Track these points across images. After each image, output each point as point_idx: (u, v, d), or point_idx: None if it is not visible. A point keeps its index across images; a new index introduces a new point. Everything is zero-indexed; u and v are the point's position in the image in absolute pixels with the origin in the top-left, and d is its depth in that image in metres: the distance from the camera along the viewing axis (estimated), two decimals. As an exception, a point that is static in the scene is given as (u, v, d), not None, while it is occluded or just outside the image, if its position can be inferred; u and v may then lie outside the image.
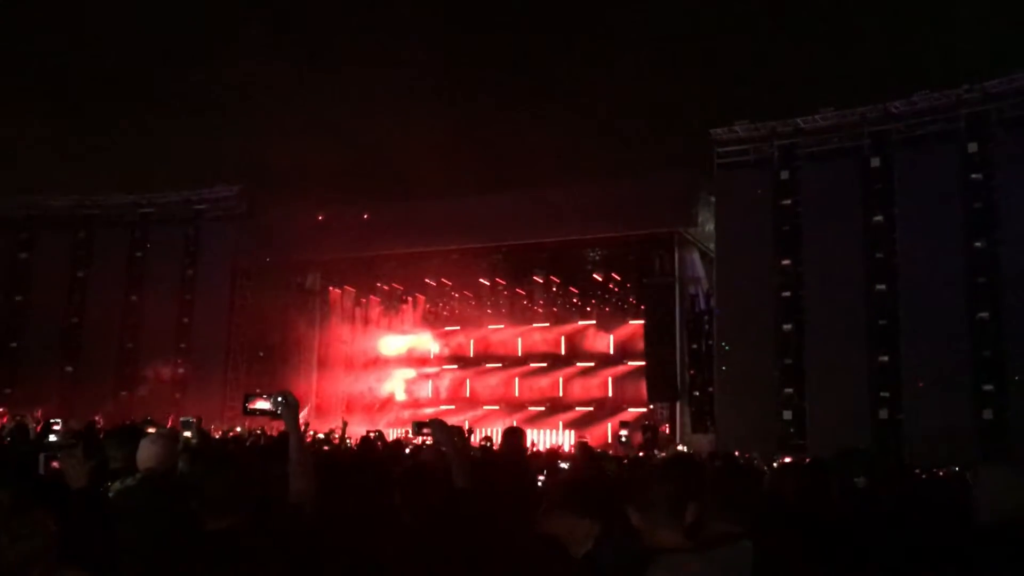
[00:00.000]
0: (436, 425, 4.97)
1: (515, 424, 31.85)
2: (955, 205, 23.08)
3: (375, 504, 4.53)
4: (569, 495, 3.64)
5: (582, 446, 8.25)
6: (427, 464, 4.88)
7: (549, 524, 3.57)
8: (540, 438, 29.42)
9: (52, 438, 5.98)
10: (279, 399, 4.04)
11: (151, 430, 5.78)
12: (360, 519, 4.34)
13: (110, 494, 4.09)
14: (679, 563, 2.80)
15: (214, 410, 29.29)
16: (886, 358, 23.53)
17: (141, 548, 3.45)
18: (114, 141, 33.52)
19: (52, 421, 7.75)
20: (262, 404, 4.06)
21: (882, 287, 23.89)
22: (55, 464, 3.93)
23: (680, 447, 23.58)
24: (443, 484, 4.39)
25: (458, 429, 5.79)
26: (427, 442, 5.97)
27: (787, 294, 25.14)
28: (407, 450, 9.01)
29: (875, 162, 24.45)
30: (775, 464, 14.29)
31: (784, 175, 25.74)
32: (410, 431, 5.57)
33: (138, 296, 32.74)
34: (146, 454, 4.40)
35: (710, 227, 27.30)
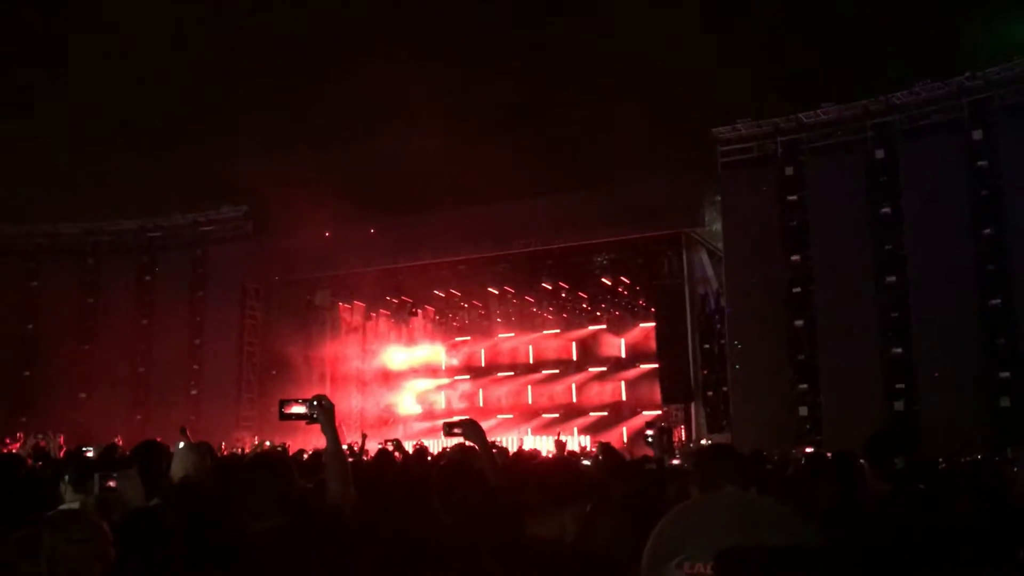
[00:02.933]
0: (468, 425, 4.98)
1: (527, 433, 31.84)
2: (962, 193, 23.07)
3: (411, 507, 4.55)
4: None
5: (606, 447, 8.22)
6: (458, 463, 4.89)
7: None
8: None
9: (110, 483, 6.01)
10: (314, 403, 4.08)
11: (181, 444, 5.81)
12: (399, 519, 4.36)
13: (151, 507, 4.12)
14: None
15: (228, 430, 29.33)
16: (899, 349, 23.49)
17: (192, 556, 3.49)
18: (119, 166, 33.60)
19: (83, 448, 7.79)
20: (298, 408, 4.10)
21: (892, 279, 23.85)
22: (111, 484, 3.98)
23: (704, 441, 23.55)
24: (478, 482, 4.41)
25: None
26: (455, 443, 5.99)
27: (797, 290, 25.12)
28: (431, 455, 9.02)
29: (879, 154, 24.44)
30: (796, 457, 14.26)
31: (789, 171, 25.74)
32: (441, 433, 5.55)
33: (149, 320, 32.88)
34: (180, 464, 4.43)
35: (717, 226, 27.29)
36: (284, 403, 4.10)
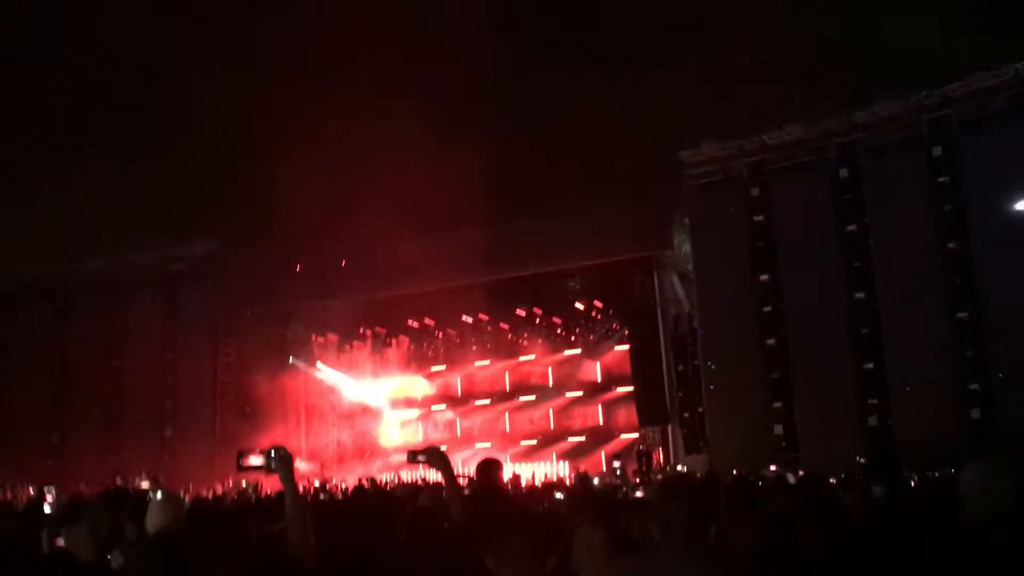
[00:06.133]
0: (431, 452, 4.96)
1: (498, 459, 31.73)
2: (925, 208, 23.41)
3: (377, 548, 4.53)
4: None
5: (581, 478, 8.24)
6: (429, 509, 4.89)
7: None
8: (537, 472, 29.27)
9: (46, 509, 5.94)
10: (272, 454, 4.07)
11: (144, 484, 5.75)
12: (363, 565, 4.34)
13: (115, 564, 4.08)
14: None
15: (203, 469, 29.02)
16: (871, 365, 23.69)
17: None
18: (86, 203, 33.29)
19: (45, 489, 7.67)
20: (255, 460, 4.08)
21: (861, 295, 24.09)
22: (59, 541, 3.94)
23: (680, 468, 23.59)
24: (444, 522, 4.42)
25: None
26: (424, 478, 5.99)
27: (768, 309, 25.29)
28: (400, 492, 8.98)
29: (843, 172, 24.75)
30: (766, 476, 14.33)
31: (755, 191, 25.98)
32: (405, 460, 5.52)
33: (120, 360, 32.49)
34: (157, 515, 4.39)
35: (687, 248, 27.48)
36: (242, 454, 4.09)
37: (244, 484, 18.62)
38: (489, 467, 6.25)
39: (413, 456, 5.10)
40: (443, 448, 5.43)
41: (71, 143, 34.77)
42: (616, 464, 7.39)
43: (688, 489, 3.50)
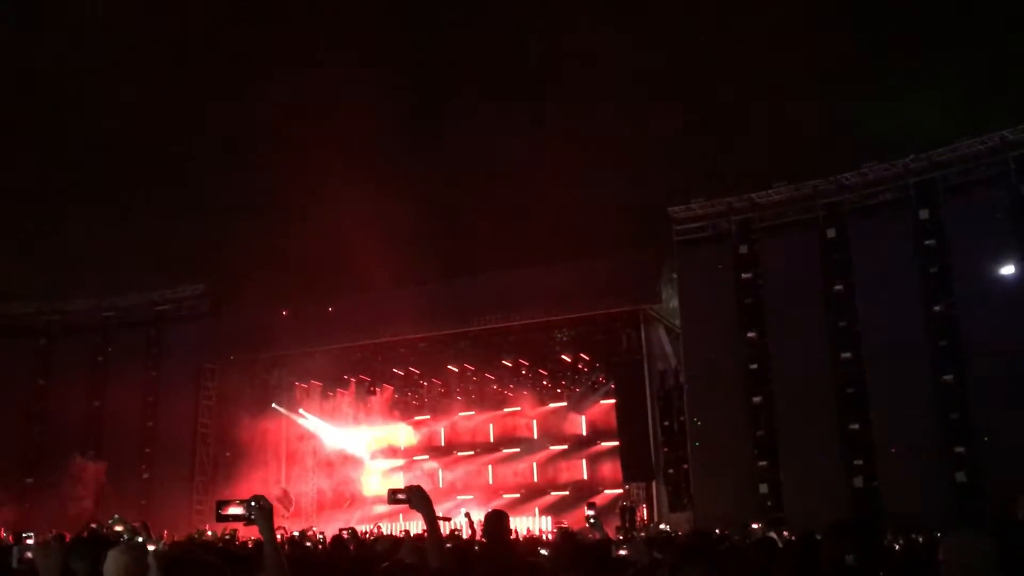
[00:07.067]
0: (413, 492, 4.80)
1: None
2: (911, 270, 23.59)
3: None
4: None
5: (564, 532, 8.10)
6: (408, 564, 4.78)
7: None
8: (519, 526, 28.92)
9: (28, 554, 5.83)
10: (252, 504, 4.00)
11: (118, 528, 5.64)
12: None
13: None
14: None
15: (182, 514, 28.59)
16: (857, 425, 23.64)
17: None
18: (72, 244, 33.30)
19: (24, 534, 7.49)
20: (235, 509, 4.01)
21: (847, 355, 24.15)
22: (28, 555, 3.89)
23: (663, 526, 23.32)
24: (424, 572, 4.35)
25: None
26: (406, 531, 5.88)
27: (754, 366, 25.30)
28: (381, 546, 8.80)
29: (831, 232, 24.96)
30: (750, 532, 14.19)
31: (743, 249, 26.15)
32: (400, 516, 5.41)
33: (101, 402, 32.14)
34: (114, 565, 4.28)
35: (674, 303, 27.51)
36: (221, 504, 4.02)
37: (210, 534, 18.32)
38: (498, 519, 6.13)
39: (393, 495, 4.93)
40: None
41: (65, 187, 34.89)
42: (590, 514, 7.24)
43: (702, 553, 3.45)
